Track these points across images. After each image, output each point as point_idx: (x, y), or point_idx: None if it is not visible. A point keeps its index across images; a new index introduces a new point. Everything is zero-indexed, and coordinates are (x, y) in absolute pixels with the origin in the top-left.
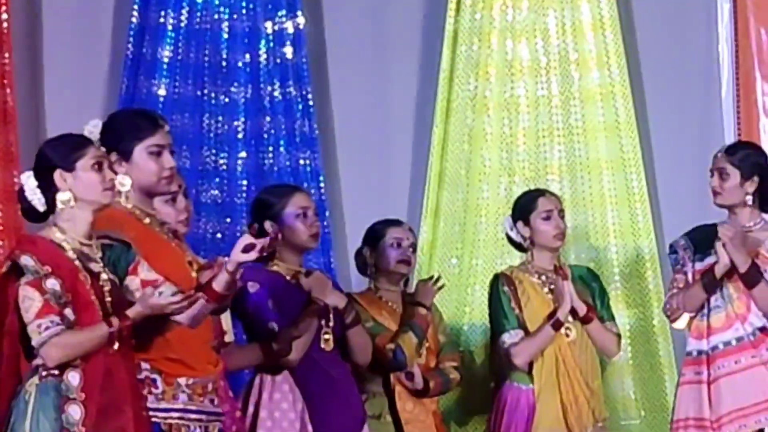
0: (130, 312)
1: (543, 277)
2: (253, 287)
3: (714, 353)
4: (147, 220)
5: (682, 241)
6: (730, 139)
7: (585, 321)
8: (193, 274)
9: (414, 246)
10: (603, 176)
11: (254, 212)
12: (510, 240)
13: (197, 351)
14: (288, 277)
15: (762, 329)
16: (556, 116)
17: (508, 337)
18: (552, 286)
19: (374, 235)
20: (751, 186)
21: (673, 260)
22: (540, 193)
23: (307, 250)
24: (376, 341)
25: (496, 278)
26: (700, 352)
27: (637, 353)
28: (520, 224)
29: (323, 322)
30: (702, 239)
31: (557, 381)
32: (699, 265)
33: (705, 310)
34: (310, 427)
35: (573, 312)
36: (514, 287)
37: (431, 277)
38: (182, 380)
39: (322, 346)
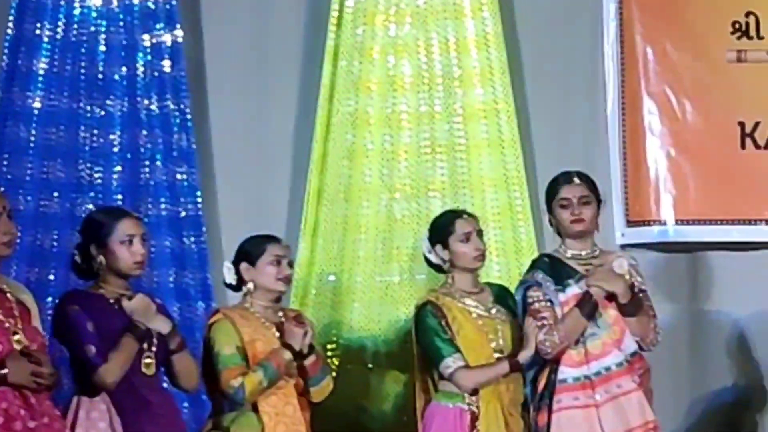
0: None
1: (468, 301)
2: (72, 309)
3: (597, 378)
4: None
5: (540, 275)
6: (615, 157)
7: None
8: None
9: (292, 263)
10: (486, 193)
11: (83, 231)
12: (428, 262)
13: None
14: (111, 300)
15: (633, 354)
16: (439, 132)
17: (452, 362)
18: (480, 310)
19: (251, 251)
20: (599, 213)
21: (531, 297)
22: (457, 215)
23: (130, 277)
24: (224, 373)
25: (424, 307)
26: (578, 378)
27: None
28: (438, 247)
29: (145, 346)
30: (555, 272)
31: (497, 404)
32: (562, 297)
33: (581, 338)
34: None
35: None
36: (443, 314)
37: (302, 317)
38: None
39: (143, 370)
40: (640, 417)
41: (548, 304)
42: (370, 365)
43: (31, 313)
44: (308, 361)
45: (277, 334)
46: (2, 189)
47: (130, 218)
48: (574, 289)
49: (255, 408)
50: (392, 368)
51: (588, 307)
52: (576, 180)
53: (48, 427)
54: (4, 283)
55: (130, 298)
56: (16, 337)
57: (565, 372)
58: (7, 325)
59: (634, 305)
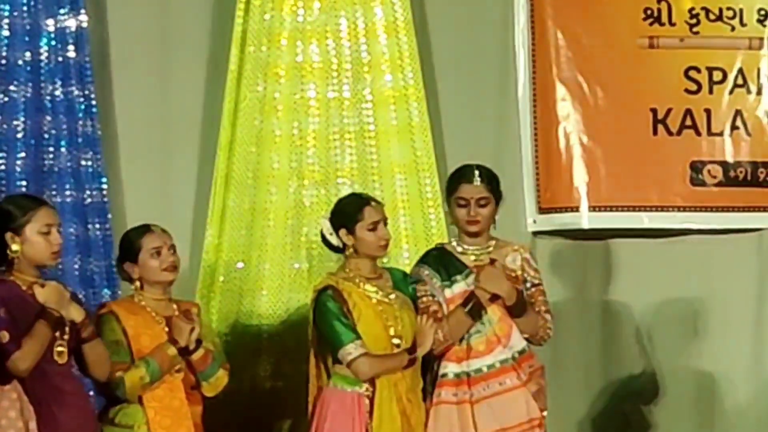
0: None
1: (367, 286)
2: None
3: (477, 375)
4: None
5: (426, 271)
6: (526, 143)
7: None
8: None
9: (173, 247)
10: (395, 180)
11: None
12: (327, 243)
13: None
14: (24, 287)
15: (522, 352)
16: (348, 119)
17: (353, 348)
18: (379, 296)
19: (131, 248)
20: (496, 211)
21: (420, 292)
22: (365, 201)
23: (48, 267)
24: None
25: (324, 291)
26: (458, 374)
27: None
28: (343, 231)
29: (57, 334)
30: (443, 267)
31: (393, 390)
32: (449, 293)
33: (466, 335)
34: None
35: None
36: (343, 299)
37: (191, 313)
38: None
39: (55, 358)
40: (524, 414)
41: (433, 298)
42: (278, 352)
43: None
44: (195, 356)
45: (167, 328)
46: None
47: (48, 208)
48: (461, 286)
49: (141, 401)
50: (300, 355)
51: (472, 307)
52: (476, 180)
53: None
54: None
55: (42, 286)
56: None
57: (447, 367)
58: None
59: (519, 307)
